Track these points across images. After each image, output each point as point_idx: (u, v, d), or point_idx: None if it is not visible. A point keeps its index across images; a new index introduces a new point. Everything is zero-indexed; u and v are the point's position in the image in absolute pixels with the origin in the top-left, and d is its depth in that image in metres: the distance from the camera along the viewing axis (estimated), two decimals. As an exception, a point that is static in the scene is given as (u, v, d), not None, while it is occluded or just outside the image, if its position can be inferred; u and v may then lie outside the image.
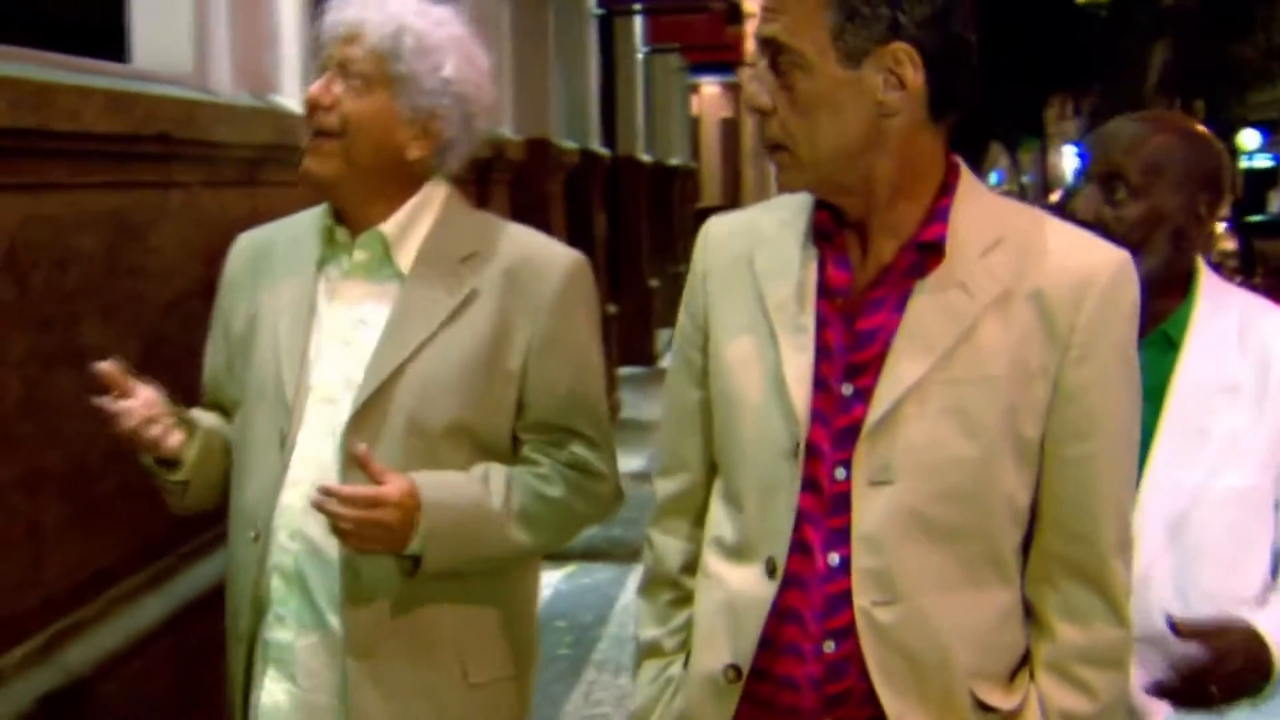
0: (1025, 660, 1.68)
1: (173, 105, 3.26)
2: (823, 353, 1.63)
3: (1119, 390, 1.62)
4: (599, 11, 11.31)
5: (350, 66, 2.02)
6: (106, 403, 1.99)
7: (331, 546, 1.98)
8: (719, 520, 1.74)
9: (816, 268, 1.65)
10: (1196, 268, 2.10)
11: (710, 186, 29.24)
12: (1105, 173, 2.06)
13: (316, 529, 1.98)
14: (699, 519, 1.80)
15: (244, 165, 3.73)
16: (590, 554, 6.07)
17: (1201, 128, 2.13)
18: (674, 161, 16.28)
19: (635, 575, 5.86)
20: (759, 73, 1.59)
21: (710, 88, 27.51)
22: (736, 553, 1.69)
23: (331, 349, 2.06)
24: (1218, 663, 1.87)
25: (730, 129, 30.40)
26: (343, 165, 2.03)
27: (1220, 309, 2.07)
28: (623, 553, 5.96)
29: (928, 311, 1.59)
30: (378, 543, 1.94)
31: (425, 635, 2.03)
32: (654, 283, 13.14)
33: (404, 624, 2.01)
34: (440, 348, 2.02)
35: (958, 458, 1.57)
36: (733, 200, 31.65)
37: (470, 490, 2.02)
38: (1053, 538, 1.64)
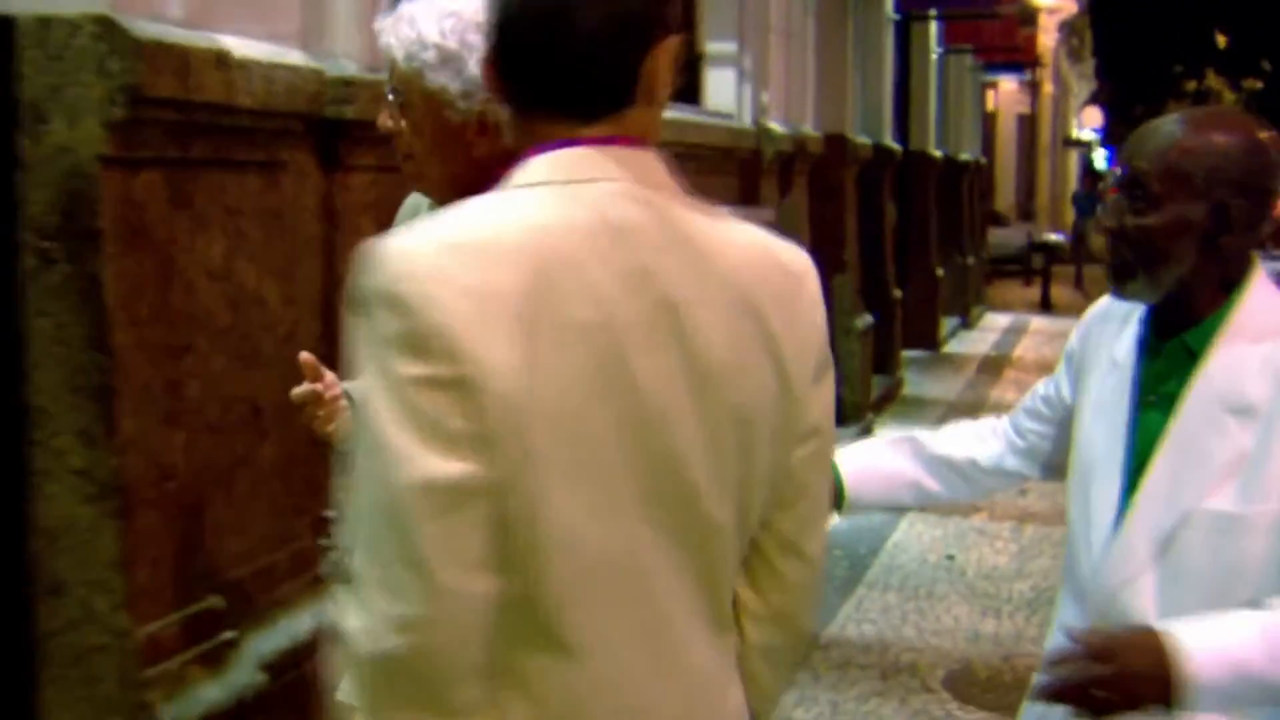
0: None
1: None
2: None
3: None
4: (896, 17, 11.91)
5: (398, 93, 2.05)
6: (304, 390, 2.15)
7: None
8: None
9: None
10: (1248, 275, 1.95)
11: (1005, 180, 29.22)
12: (1128, 179, 1.95)
13: None
14: None
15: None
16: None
17: (1251, 126, 1.93)
18: (964, 156, 16.49)
19: (908, 519, 6.64)
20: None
21: (1008, 84, 27.52)
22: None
23: None
24: (1109, 671, 1.72)
25: (1027, 124, 30.32)
26: (425, 181, 2.12)
27: (1259, 324, 1.91)
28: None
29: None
30: None
31: None
32: (940, 272, 13.57)
33: None
34: None
35: None
36: (1027, 194, 31.48)
37: None
38: None
